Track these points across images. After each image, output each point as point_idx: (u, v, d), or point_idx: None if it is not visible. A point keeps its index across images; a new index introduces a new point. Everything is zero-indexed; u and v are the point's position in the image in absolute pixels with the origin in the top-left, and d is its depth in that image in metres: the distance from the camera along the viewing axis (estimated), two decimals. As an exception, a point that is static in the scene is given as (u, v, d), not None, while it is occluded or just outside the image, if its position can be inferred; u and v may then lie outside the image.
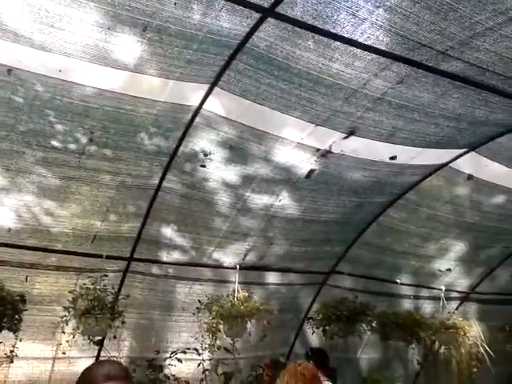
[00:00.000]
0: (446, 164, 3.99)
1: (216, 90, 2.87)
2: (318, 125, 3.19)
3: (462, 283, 5.93)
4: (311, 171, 3.74)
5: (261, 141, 3.38)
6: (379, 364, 6.04)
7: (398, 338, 5.22)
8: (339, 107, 3.02)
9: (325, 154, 3.56)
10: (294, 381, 2.75)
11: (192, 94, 2.94)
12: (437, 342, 5.86)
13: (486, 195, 4.52)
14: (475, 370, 5.72)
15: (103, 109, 2.87)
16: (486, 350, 5.69)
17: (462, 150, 3.80)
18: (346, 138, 3.34)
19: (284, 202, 4.09)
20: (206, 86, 2.86)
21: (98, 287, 3.78)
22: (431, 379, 6.04)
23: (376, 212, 4.58)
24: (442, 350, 6.01)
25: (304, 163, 3.66)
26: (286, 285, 5.11)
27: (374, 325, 5.09)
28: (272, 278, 4.98)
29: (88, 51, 2.47)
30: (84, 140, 3.07)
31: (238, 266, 4.48)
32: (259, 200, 4.02)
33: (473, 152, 3.80)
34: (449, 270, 5.52)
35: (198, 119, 3.12)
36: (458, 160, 3.93)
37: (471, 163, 3.96)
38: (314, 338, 5.40)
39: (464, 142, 3.64)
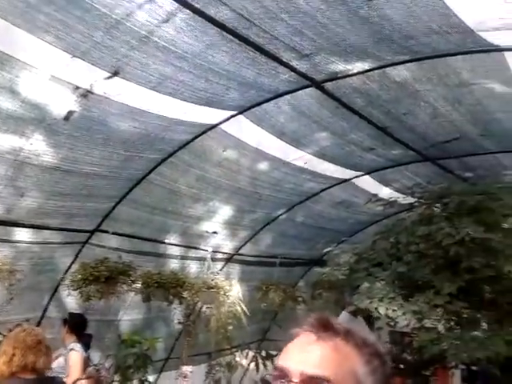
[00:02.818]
0: (216, 125, 3.98)
1: None
2: (75, 56, 2.77)
3: (228, 245, 6.19)
4: (70, 113, 3.28)
5: (3, 66, 2.80)
6: (142, 325, 5.95)
7: (161, 298, 5.17)
8: (100, 39, 2.65)
9: (86, 95, 3.15)
10: (13, 348, 2.37)
11: None
12: (199, 302, 6.03)
13: (253, 161, 4.71)
14: (231, 327, 6.08)
15: None
16: (243, 309, 6.10)
17: (231, 112, 3.81)
18: (109, 78, 2.99)
19: (37, 146, 3.54)
20: None
21: None
22: (191, 337, 6.20)
23: (146, 169, 4.36)
24: (204, 309, 6.23)
25: (61, 102, 3.18)
26: (40, 243, 4.55)
27: (136, 285, 4.94)
28: (23, 235, 4.37)
29: None
30: None
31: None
32: (5, 141, 3.39)
33: (241, 115, 3.86)
34: (215, 232, 5.68)
35: None
36: (227, 122, 3.94)
37: (239, 127, 4.02)
38: (71, 301, 4.98)
39: (233, 103, 3.65)
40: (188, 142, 4.13)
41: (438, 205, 4.65)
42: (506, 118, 3.71)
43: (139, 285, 4.98)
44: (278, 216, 6.07)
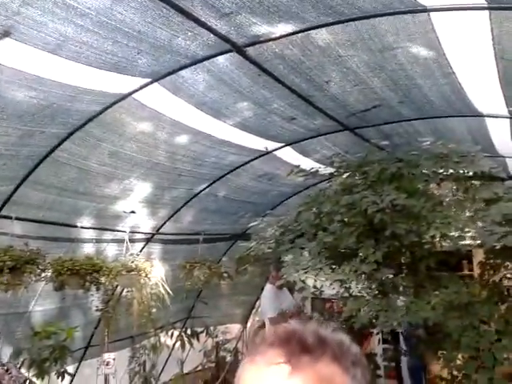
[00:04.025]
0: (129, 95, 3.62)
1: None
2: (-50, 12, 2.31)
3: (147, 224, 5.87)
4: (-50, 81, 2.79)
5: None
6: (56, 315, 5.50)
7: (76, 285, 4.77)
8: (-19, -11, 2.22)
9: (-31, 59, 2.68)
10: None
11: None
12: (118, 286, 5.70)
13: (171, 134, 4.41)
14: (154, 309, 5.83)
15: None
16: (166, 289, 5.85)
17: (144, 80, 3.48)
18: (-2, 39, 2.55)
19: None
20: None
21: None
22: (111, 323, 5.87)
23: (50, 145, 3.90)
24: (125, 293, 5.91)
25: None
26: None
27: (47, 274, 4.51)
28: None
29: None
30: None
31: None
32: None
33: (156, 83, 3.54)
34: (133, 212, 5.33)
35: None
36: (141, 91, 3.60)
37: (155, 96, 3.69)
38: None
39: (146, 70, 3.31)
40: (97, 114, 3.73)
41: (358, 174, 4.66)
42: (425, 83, 3.71)
43: (50, 273, 4.56)
44: (200, 192, 5.83)
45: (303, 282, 3.98)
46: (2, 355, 5.05)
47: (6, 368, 3.62)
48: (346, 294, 4.26)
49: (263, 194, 6.66)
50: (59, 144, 3.92)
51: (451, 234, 3.85)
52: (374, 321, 3.67)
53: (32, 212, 4.47)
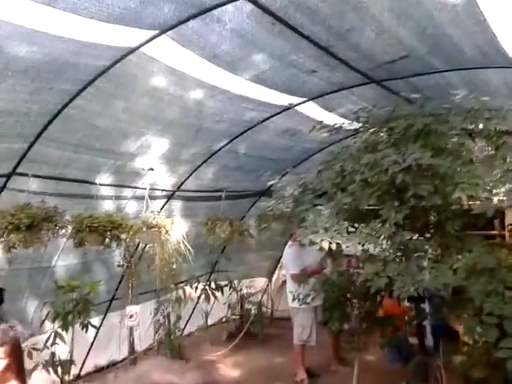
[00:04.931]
0: (137, 48, 3.44)
1: None
2: None
3: (167, 182, 5.82)
4: None
5: None
6: (80, 270, 5.63)
7: (95, 242, 4.81)
8: None
9: (-38, 13, 2.56)
10: None
11: None
12: (140, 243, 5.74)
13: (185, 89, 4.24)
14: (175, 265, 5.87)
15: None
16: (186, 246, 5.86)
17: (152, 32, 3.29)
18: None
19: None
20: None
21: None
22: (134, 278, 5.96)
23: (61, 102, 3.81)
24: (147, 249, 5.95)
25: None
26: None
27: (66, 230, 4.54)
28: None
29: None
30: None
31: None
32: None
33: (165, 36, 3.34)
34: (152, 169, 5.26)
35: None
36: (149, 44, 3.42)
37: (165, 49, 3.51)
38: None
39: (153, 20, 3.12)
40: (106, 69, 3.59)
41: (384, 130, 4.41)
42: (456, 32, 3.39)
43: (69, 230, 4.59)
44: (219, 149, 5.70)
45: (319, 243, 3.84)
46: (27, 308, 5.24)
47: (10, 325, 3.68)
48: (364, 257, 4.12)
49: (286, 151, 6.47)
50: (70, 100, 3.82)
51: (478, 195, 3.60)
52: (390, 287, 3.53)
53: (48, 170, 4.46)
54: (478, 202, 3.91)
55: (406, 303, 6.46)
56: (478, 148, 4.14)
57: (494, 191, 3.67)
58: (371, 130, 4.52)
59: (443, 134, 3.96)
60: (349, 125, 4.81)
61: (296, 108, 5.30)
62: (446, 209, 3.97)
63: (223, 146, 5.65)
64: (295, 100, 5.09)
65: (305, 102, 5.17)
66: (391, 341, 5.13)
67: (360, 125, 4.70)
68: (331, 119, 5.53)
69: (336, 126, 4.80)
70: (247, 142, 5.78)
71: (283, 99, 4.98)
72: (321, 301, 5.29)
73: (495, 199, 3.76)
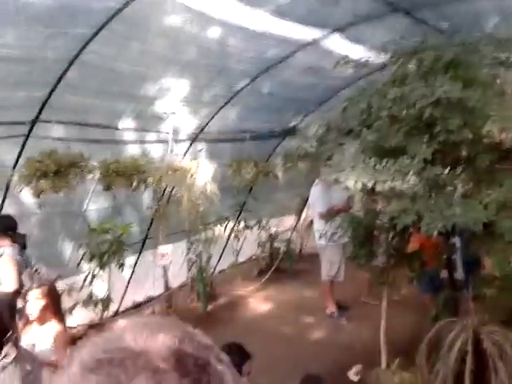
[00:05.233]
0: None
1: None
2: None
3: (190, 124, 5.77)
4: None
5: None
6: (111, 213, 5.76)
7: (122, 186, 4.89)
8: None
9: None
10: None
11: None
12: (167, 186, 5.79)
13: (201, 28, 4.09)
14: (202, 207, 5.95)
15: None
16: (212, 189, 5.90)
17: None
18: None
19: None
20: None
21: None
22: (164, 219, 6.09)
23: (76, 48, 3.74)
24: (174, 192, 6.02)
25: None
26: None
27: (93, 176, 4.62)
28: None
29: None
30: None
31: None
32: None
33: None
34: (173, 112, 5.20)
35: None
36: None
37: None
38: (24, 197, 4.67)
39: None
40: (118, 11, 3.48)
41: (412, 62, 4.18)
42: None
43: (97, 175, 4.67)
44: (241, 89, 5.56)
45: (344, 182, 3.78)
46: (64, 251, 5.45)
47: (35, 269, 3.83)
48: (391, 195, 4.04)
49: (310, 89, 6.26)
50: (85, 45, 3.75)
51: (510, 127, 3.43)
52: (418, 224, 3.48)
53: (71, 116, 4.47)
54: (510, 135, 3.74)
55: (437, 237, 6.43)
56: (510, 79, 3.89)
57: (528, 123, 3.49)
58: (399, 63, 4.30)
59: (473, 64, 3.73)
60: (375, 58, 4.59)
61: (320, 43, 5.07)
62: (476, 143, 3.81)
63: (245, 86, 5.51)
64: (318, 34, 4.86)
65: (328, 34, 4.93)
66: (421, 274, 5.14)
67: (387, 58, 4.47)
68: (356, 53, 5.29)
69: (362, 59, 4.59)
70: (270, 81, 5.61)
71: (305, 33, 4.76)
72: (348, 238, 5.30)
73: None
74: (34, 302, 3.06)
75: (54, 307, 3.19)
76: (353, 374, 4.36)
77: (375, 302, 5.94)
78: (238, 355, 2.84)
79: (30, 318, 3.08)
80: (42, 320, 3.12)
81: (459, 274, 5.85)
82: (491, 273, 4.82)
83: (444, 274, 5.34)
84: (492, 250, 4.05)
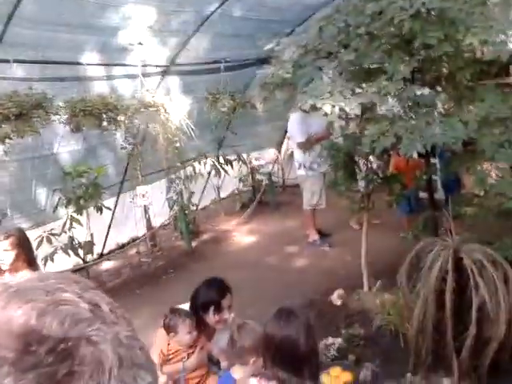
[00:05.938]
0: None
1: None
2: None
3: (160, 56, 5.46)
4: None
5: None
6: (84, 156, 5.56)
7: (92, 125, 4.67)
8: None
9: None
10: None
11: None
12: (140, 124, 5.57)
13: None
14: (178, 144, 5.79)
15: None
16: (188, 123, 5.70)
17: None
18: None
19: None
20: None
21: None
22: (141, 159, 5.92)
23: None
24: (149, 130, 5.79)
25: None
26: None
27: (60, 117, 4.39)
28: None
29: None
30: None
31: None
32: None
33: None
34: (140, 43, 4.88)
35: None
36: None
37: None
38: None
39: None
40: None
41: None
42: None
43: (63, 116, 4.44)
44: (212, 13, 5.22)
45: (320, 108, 3.63)
46: (38, 196, 5.29)
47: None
48: (368, 116, 3.92)
49: (286, 10, 5.90)
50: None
51: (492, 39, 3.28)
52: (397, 146, 3.40)
53: (30, 53, 4.17)
54: (491, 48, 3.60)
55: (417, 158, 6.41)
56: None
57: (510, 33, 3.34)
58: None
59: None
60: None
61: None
62: (457, 57, 3.67)
63: (215, 10, 5.16)
64: None
65: None
66: (399, 197, 5.15)
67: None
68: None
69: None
70: (241, 2, 5.27)
71: None
72: (328, 166, 5.23)
73: (511, 43, 3.44)
74: (4, 254, 2.94)
75: (26, 256, 3.08)
76: (335, 298, 4.44)
77: (357, 227, 6.01)
78: (217, 290, 2.85)
79: (3, 268, 2.97)
80: (15, 270, 3.02)
81: (439, 194, 5.89)
82: (471, 191, 4.85)
83: (424, 195, 5.35)
84: (472, 168, 4.03)
